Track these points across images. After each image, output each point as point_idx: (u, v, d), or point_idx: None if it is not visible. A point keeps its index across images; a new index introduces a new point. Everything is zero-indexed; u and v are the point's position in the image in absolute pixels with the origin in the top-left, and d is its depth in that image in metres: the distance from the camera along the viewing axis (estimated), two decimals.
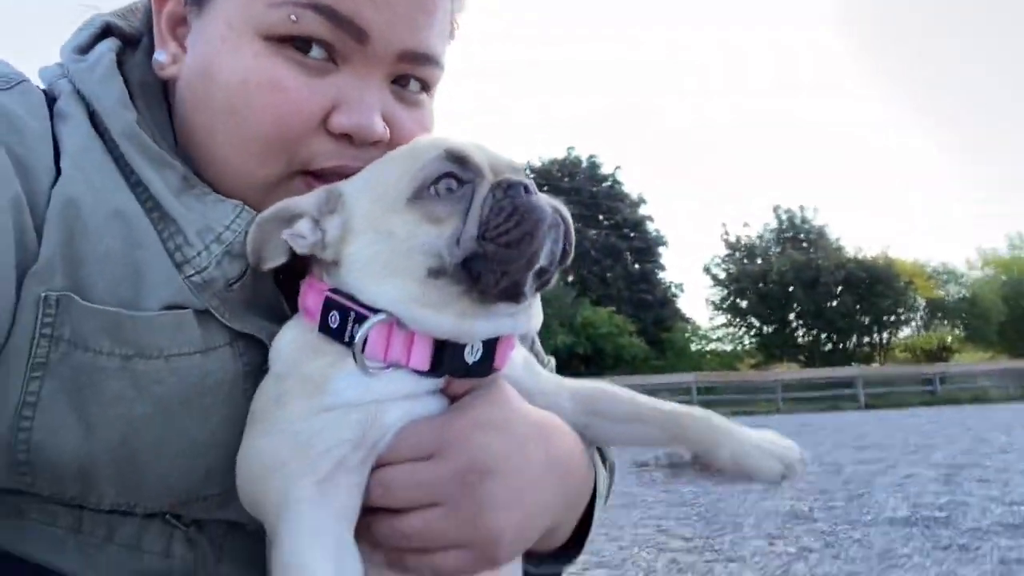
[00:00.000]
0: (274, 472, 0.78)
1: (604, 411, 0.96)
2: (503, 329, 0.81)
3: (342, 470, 0.78)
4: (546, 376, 0.98)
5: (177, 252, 0.87)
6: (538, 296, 0.86)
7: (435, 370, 0.80)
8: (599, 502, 1.03)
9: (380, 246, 0.80)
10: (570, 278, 37.39)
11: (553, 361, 1.22)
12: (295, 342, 0.84)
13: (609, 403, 0.96)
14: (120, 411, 0.82)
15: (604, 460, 1.11)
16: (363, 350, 0.79)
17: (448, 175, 0.79)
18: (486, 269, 0.75)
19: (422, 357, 0.80)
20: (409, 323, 0.79)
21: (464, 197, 0.79)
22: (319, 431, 0.78)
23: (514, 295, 0.78)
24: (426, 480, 0.79)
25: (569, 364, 29.58)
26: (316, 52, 0.85)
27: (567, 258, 0.81)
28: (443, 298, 0.78)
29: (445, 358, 0.80)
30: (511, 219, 0.75)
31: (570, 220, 0.81)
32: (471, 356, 0.81)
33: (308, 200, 0.85)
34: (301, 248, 0.84)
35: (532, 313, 0.86)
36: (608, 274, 40.07)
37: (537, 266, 0.77)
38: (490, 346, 0.82)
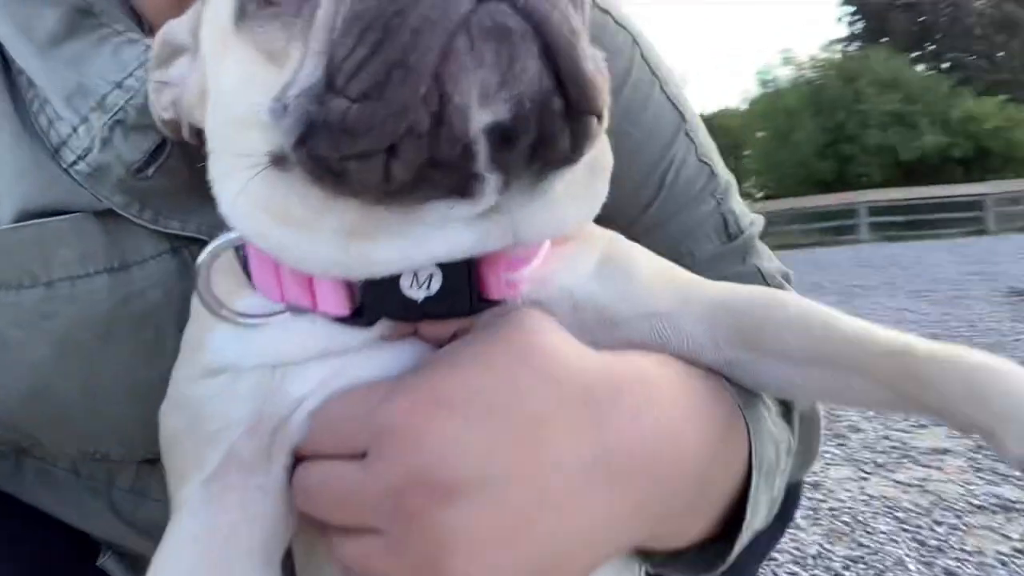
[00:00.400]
0: (170, 450, 0.58)
1: (766, 341, 0.60)
2: (454, 249, 0.49)
3: (234, 465, 0.53)
4: (647, 283, 0.61)
5: (52, 131, 0.67)
6: (550, 176, 0.49)
7: (361, 314, 0.53)
8: (760, 478, 0.66)
9: (216, 112, 0.55)
10: (944, 64, 33.16)
11: (759, 222, 0.99)
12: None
13: (776, 328, 0.60)
14: (14, 357, 0.68)
15: (790, 410, 0.74)
16: (209, 287, 0.57)
17: None
18: (331, 147, 0.44)
19: (334, 296, 0.53)
20: (265, 251, 0.53)
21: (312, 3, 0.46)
22: (205, 401, 0.55)
23: (446, 186, 0.46)
24: (352, 494, 0.51)
25: (942, 170, 27.07)
26: None
27: (574, 95, 0.45)
28: (304, 205, 0.49)
29: (369, 298, 0.52)
30: (370, 35, 0.42)
31: (568, 25, 0.44)
32: (417, 289, 0.51)
33: (183, 23, 0.60)
34: (160, 113, 0.62)
35: (530, 210, 0.51)
36: (999, 54, 34.35)
37: (466, 130, 0.43)
38: (460, 269, 0.51)
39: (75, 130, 0.67)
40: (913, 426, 3.87)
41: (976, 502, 2.89)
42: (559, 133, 0.46)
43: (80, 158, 0.67)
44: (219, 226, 0.57)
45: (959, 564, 2.44)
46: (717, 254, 1.04)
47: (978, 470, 3.21)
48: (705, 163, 1.08)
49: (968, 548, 2.55)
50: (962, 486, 3.06)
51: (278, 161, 0.48)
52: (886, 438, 3.75)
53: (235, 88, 0.52)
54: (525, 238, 0.52)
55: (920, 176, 28.47)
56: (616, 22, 1.06)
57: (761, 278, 1.04)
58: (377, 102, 0.42)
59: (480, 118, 0.43)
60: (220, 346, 0.56)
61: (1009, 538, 2.59)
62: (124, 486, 0.85)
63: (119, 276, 0.70)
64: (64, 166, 0.67)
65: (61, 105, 0.67)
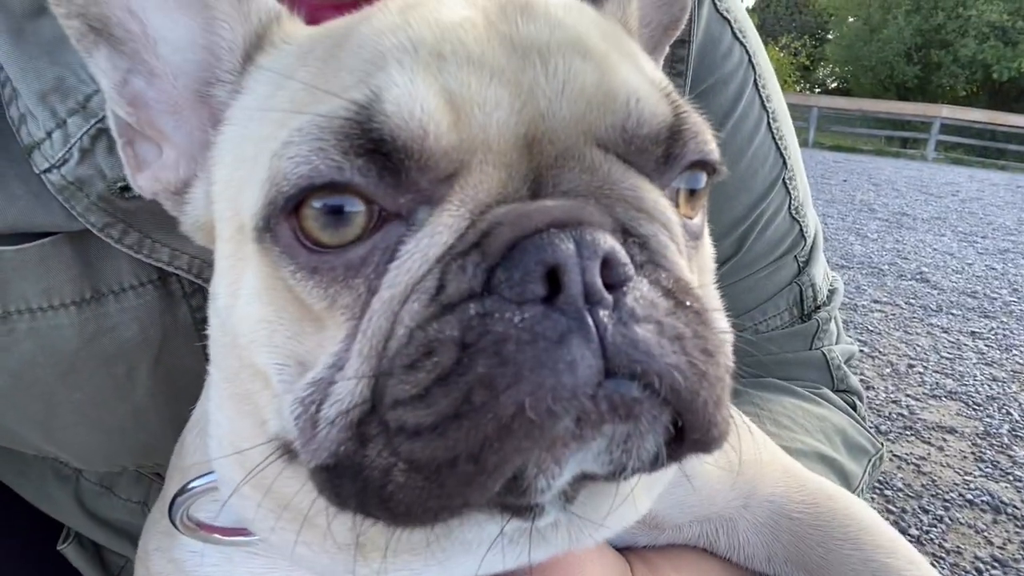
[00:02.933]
0: None
1: (824, 570, 0.59)
2: (493, 567, 0.45)
3: None
4: (709, 488, 0.57)
5: (23, 128, 0.57)
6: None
7: None
8: None
9: (225, 328, 0.48)
10: None
11: (838, 294, 0.96)
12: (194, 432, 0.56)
13: (840, 561, 0.56)
14: None
15: None
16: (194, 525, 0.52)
17: (334, 187, 0.40)
18: (360, 491, 0.38)
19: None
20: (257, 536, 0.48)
21: (379, 249, 0.40)
22: None
23: (498, 507, 0.40)
24: None
25: None
26: None
27: (692, 440, 0.39)
28: (312, 502, 0.41)
29: None
30: (442, 364, 0.35)
31: (701, 380, 0.38)
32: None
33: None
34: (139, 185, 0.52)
35: (596, 509, 0.46)
36: None
37: (547, 492, 0.37)
38: None
39: (49, 135, 0.57)
40: (926, 395, 3.84)
41: (968, 496, 2.90)
42: (659, 467, 0.40)
43: (54, 167, 0.57)
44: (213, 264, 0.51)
45: (934, 562, 2.48)
46: (785, 334, 0.96)
47: (979, 460, 3.20)
48: (796, 220, 0.96)
49: (947, 546, 2.58)
50: (959, 474, 3.07)
51: (290, 453, 0.43)
52: (895, 403, 3.73)
53: (253, 323, 0.45)
54: (584, 543, 0.48)
55: (1007, 101, 26.79)
56: (734, 34, 0.91)
57: (827, 370, 0.95)
58: (435, 449, 0.35)
59: (567, 478, 0.38)
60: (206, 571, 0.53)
61: (991, 543, 2.62)
62: (93, 479, 0.82)
63: (89, 308, 0.63)
64: (36, 171, 0.58)
65: (34, 101, 0.56)
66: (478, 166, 0.40)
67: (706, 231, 0.52)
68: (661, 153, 0.44)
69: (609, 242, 0.37)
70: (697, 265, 0.48)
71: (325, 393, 0.40)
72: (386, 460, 0.36)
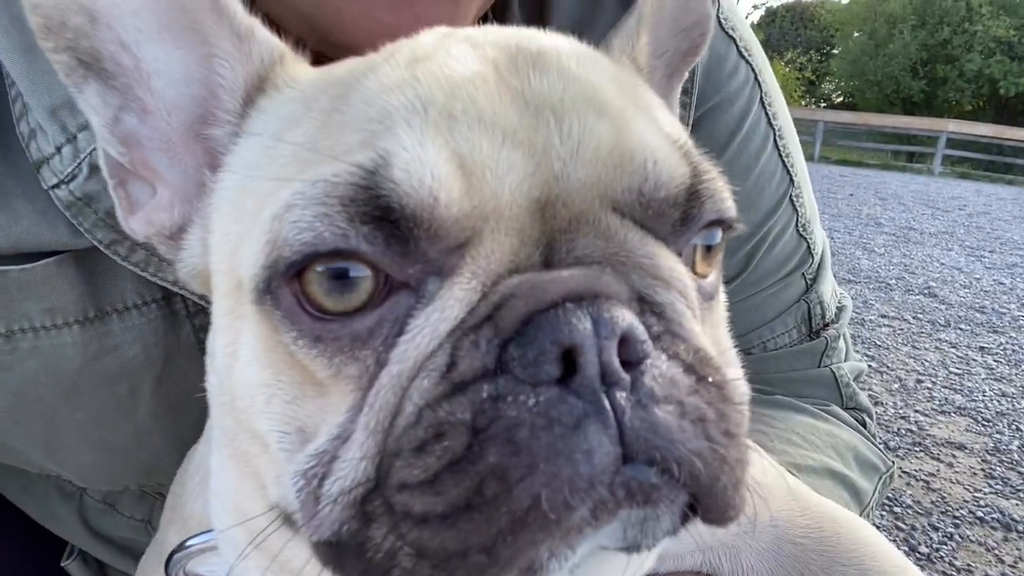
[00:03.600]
0: None
1: None
2: None
3: None
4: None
5: (33, 144, 0.56)
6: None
7: None
8: None
9: (223, 386, 0.47)
10: None
11: (846, 311, 0.96)
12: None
13: (829, 566, 0.56)
14: None
15: None
16: None
17: (339, 254, 0.39)
18: (378, 547, 0.36)
19: None
20: None
21: (388, 320, 0.39)
22: None
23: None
24: None
25: None
26: None
27: (708, 517, 0.39)
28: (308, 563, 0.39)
29: None
30: (452, 449, 0.34)
31: (720, 462, 0.36)
32: None
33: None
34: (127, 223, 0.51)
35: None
36: None
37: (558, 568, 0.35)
38: None
39: (59, 150, 0.56)
40: (934, 410, 3.81)
41: (979, 513, 2.87)
42: (671, 535, 0.39)
43: (63, 182, 0.56)
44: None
45: None
46: (793, 352, 0.95)
47: (989, 476, 3.17)
48: (804, 237, 0.95)
49: (957, 563, 2.55)
50: (969, 491, 3.04)
51: (292, 522, 0.42)
52: (904, 418, 3.70)
53: (252, 386, 0.43)
54: None
55: (1014, 115, 26.76)
56: (740, 52, 0.91)
57: (836, 387, 0.94)
58: (445, 539, 0.34)
59: (579, 558, 0.36)
60: None
61: (1002, 561, 2.59)
62: (96, 496, 0.82)
63: (93, 327, 0.62)
64: (44, 187, 0.57)
65: (44, 116, 0.55)
66: (490, 234, 0.38)
67: (720, 288, 0.50)
68: (679, 216, 0.42)
69: (628, 319, 0.35)
70: (711, 325, 0.46)
71: (328, 468, 0.38)
72: (391, 543, 0.35)
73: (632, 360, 0.35)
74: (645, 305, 0.38)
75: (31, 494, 0.84)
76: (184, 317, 0.65)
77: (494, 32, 0.46)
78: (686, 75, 0.64)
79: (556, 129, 0.40)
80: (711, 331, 0.45)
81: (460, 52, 0.43)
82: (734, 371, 0.43)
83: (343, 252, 0.38)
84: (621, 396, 0.34)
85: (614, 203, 0.40)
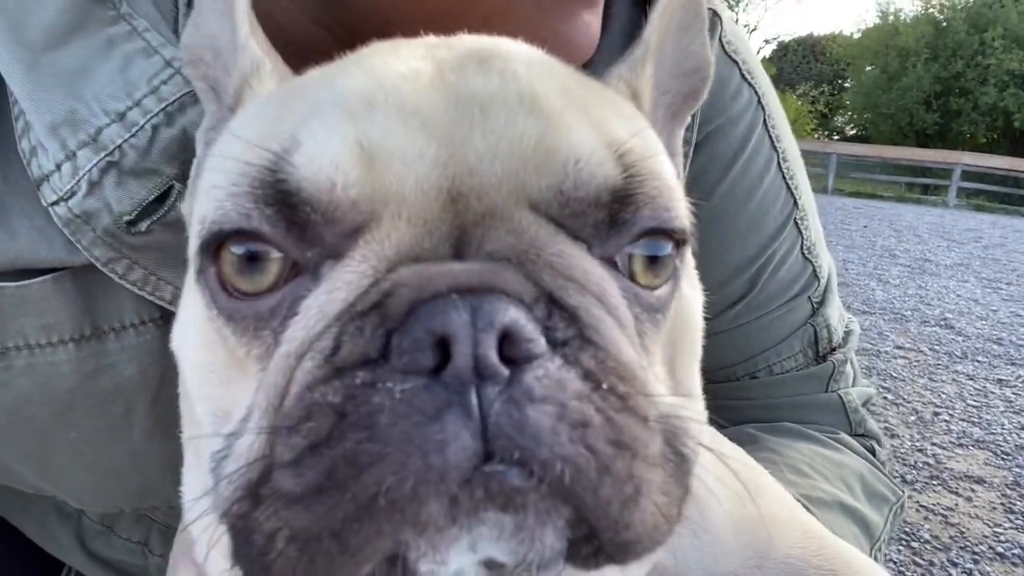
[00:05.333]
0: None
1: None
2: None
3: None
4: (721, 544, 0.54)
5: (34, 161, 0.56)
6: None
7: None
8: None
9: (182, 367, 0.48)
10: None
11: (854, 336, 0.95)
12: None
13: None
14: None
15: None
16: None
17: (245, 234, 0.40)
18: (260, 529, 0.35)
19: None
20: None
21: (287, 301, 0.40)
22: None
23: None
24: None
25: None
26: None
27: (612, 544, 0.35)
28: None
29: None
30: (320, 430, 0.34)
31: (612, 474, 0.34)
32: None
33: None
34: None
35: None
36: None
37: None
38: None
39: (58, 167, 0.56)
40: (952, 443, 3.75)
41: (999, 548, 2.81)
42: (586, 566, 0.36)
43: (62, 199, 0.56)
44: None
45: None
46: (799, 376, 0.93)
47: (1009, 511, 3.10)
48: (809, 260, 0.94)
49: None
50: (988, 525, 2.97)
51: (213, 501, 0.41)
52: (921, 451, 3.64)
53: (192, 367, 0.46)
54: None
55: None
56: (742, 75, 0.91)
57: (843, 413, 0.93)
58: (304, 520, 0.33)
59: (463, 565, 0.34)
60: None
61: None
62: (94, 517, 0.82)
63: (89, 346, 0.61)
64: (44, 204, 0.57)
65: (44, 133, 0.55)
66: (390, 220, 0.38)
67: (691, 304, 0.48)
68: (603, 218, 0.40)
69: (511, 314, 0.34)
70: (652, 340, 0.43)
71: (231, 449, 0.39)
72: (272, 524, 0.34)
73: (516, 358, 0.34)
74: (555, 307, 0.37)
75: (29, 514, 0.84)
76: None
77: (463, 38, 0.47)
78: (688, 119, 0.63)
79: (480, 123, 0.40)
80: (651, 346, 0.43)
81: (408, 52, 0.44)
82: (664, 390, 0.40)
83: (246, 232, 0.39)
84: (492, 391, 0.33)
85: (531, 201, 0.39)
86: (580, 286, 0.38)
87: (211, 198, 0.41)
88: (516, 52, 0.46)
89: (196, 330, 0.44)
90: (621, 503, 0.34)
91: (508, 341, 0.34)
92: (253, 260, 0.39)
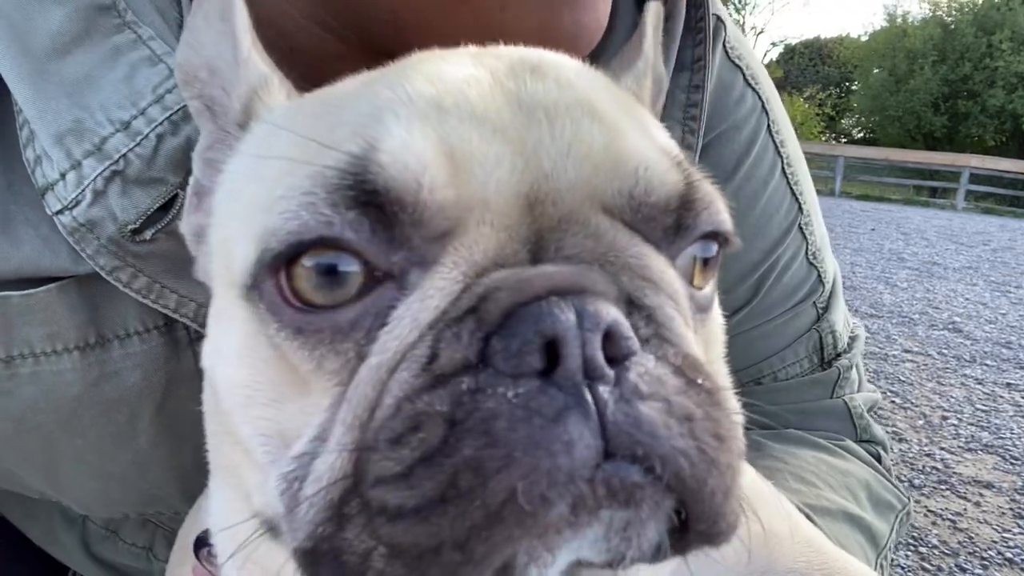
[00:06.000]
0: None
1: None
2: None
3: None
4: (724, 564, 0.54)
5: (38, 170, 0.56)
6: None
7: None
8: None
9: (215, 390, 0.46)
10: None
11: (859, 341, 0.95)
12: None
13: None
14: None
15: None
16: None
17: (326, 243, 0.38)
18: (352, 550, 0.34)
19: None
20: None
21: (371, 313, 0.38)
22: None
23: None
24: None
25: None
26: None
27: (699, 530, 0.36)
28: None
29: None
30: (428, 443, 0.33)
31: (709, 465, 0.35)
32: None
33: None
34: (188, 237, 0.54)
35: None
36: None
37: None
38: None
39: (63, 176, 0.56)
40: (961, 448, 3.72)
41: (1008, 554, 2.79)
42: (661, 558, 0.37)
43: (67, 208, 0.56)
44: None
45: None
46: (805, 382, 0.93)
47: (1019, 516, 3.08)
48: (814, 265, 0.94)
49: None
50: (997, 531, 2.95)
51: (274, 530, 0.41)
52: (929, 456, 3.62)
53: (232, 386, 0.43)
54: None
55: None
56: (746, 80, 0.91)
57: (849, 419, 0.92)
58: (418, 535, 0.32)
59: (561, 566, 0.35)
60: None
61: None
62: (99, 522, 0.82)
63: (93, 354, 0.61)
64: (49, 213, 0.57)
65: (50, 142, 0.55)
66: (475, 226, 0.38)
67: (715, 302, 0.49)
68: (671, 223, 0.42)
69: (612, 313, 0.35)
70: (704, 338, 0.45)
71: (308, 469, 0.37)
72: (366, 544, 0.33)
73: (617, 356, 0.34)
74: (633, 307, 0.37)
75: (35, 518, 0.84)
76: (186, 344, 0.65)
77: (497, 48, 0.47)
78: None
79: (548, 129, 0.40)
80: (703, 343, 0.45)
81: (456, 59, 0.44)
82: (727, 387, 0.41)
83: (328, 241, 0.37)
84: (604, 390, 0.33)
85: (604, 205, 0.40)
86: (655, 286, 0.39)
87: (275, 210, 0.39)
88: (562, 61, 0.46)
89: (239, 347, 0.42)
90: (723, 493, 0.35)
91: (609, 340, 0.34)
92: (331, 272, 0.38)
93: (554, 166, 0.39)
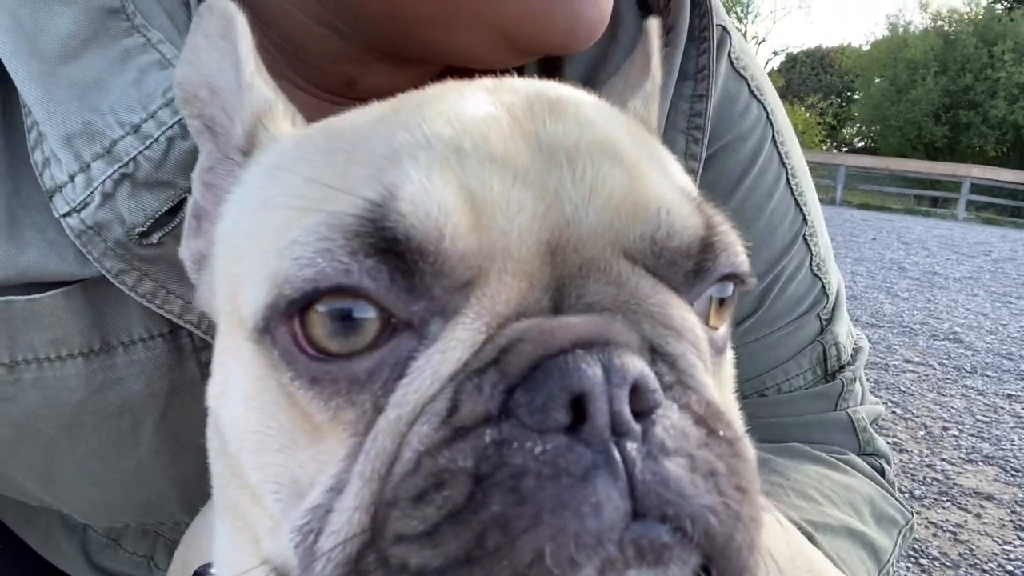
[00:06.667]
0: None
1: None
2: None
3: None
4: None
5: (47, 172, 0.56)
6: None
7: None
8: None
9: (221, 432, 0.45)
10: None
11: (863, 352, 0.95)
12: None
13: None
14: None
15: None
16: None
17: (342, 291, 0.37)
18: None
19: None
20: None
21: (388, 363, 0.38)
22: None
23: None
24: None
25: None
26: None
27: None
28: None
29: None
30: (453, 500, 0.32)
31: (735, 522, 0.35)
32: None
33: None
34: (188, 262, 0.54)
35: None
36: None
37: None
38: None
39: (72, 179, 0.55)
40: (961, 459, 3.72)
41: (1008, 566, 2.78)
42: None
43: (75, 210, 0.55)
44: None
45: None
46: (808, 394, 0.93)
47: (1019, 528, 3.08)
48: (818, 277, 0.94)
49: None
50: (998, 543, 2.94)
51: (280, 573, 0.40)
52: (930, 467, 3.61)
53: (241, 430, 0.42)
54: None
55: None
56: (751, 91, 0.91)
57: (852, 432, 0.92)
58: None
59: None
60: None
61: None
62: (100, 530, 0.81)
63: (98, 360, 0.61)
64: (56, 215, 0.57)
65: (59, 145, 0.55)
66: (497, 274, 0.37)
67: (729, 344, 0.48)
68: (692, 267, 0.41)
69: (638, 367, 0.34)
70: (719, 379, 0.45)
71: (323, 522, 0.36)
72: (398, 552, 0.32)
73: (643, 410, 0.34)
74: (656, 355, 0.37)
75: (35, 526, 0.84)
76: (190, 352, 0.64)
77: (511, 82, 0.46)
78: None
79: (569, 172, 0.39)
80: (719, 386, 0.44)
81: (473, 96, 0.43)
82: (743, 431, 0.40)
83: (345, 289, 0.36)
84: (632, 447, 0.33)
85: (626, 250, 0.39)
86: (678, 333, 0.38)
87: (289, 255, 0.37)
88: (580, 98, 0.45)
89: (248, 390, 0.41)
90: (748, 547, 0.35)
91: (635, 394, 0.34)
92: (346, 319, 0.37)
93: (575, 211, 0.38)
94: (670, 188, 0.42)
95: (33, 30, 0.56)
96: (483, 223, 0.37)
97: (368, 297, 0.36)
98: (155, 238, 0.57)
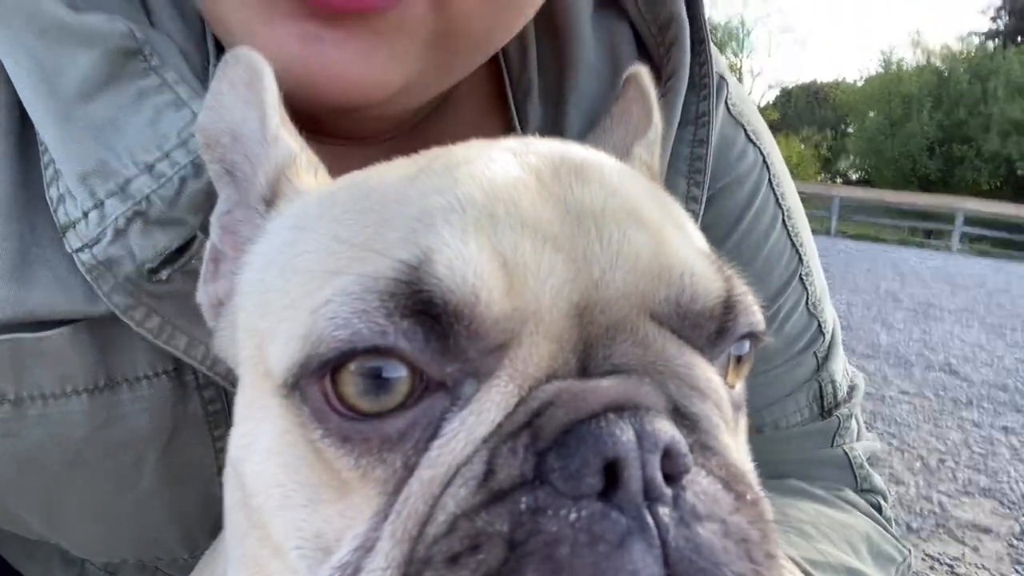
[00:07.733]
0: None
1: None
2: None
3: None
4: None
5: (61, 208, 0.58)
6: None
7: None
8: None
9: (242, 485, 0.46)
10: None
11: (858, 389, 0.95)
12: None
13: None
14: None
15: None
16: None
17: (377, 352, 0.38)
18: None
19: None
20: None
21: (421, 424, 0.38)
22: None
23: None
24: None
25: None
26: None
27: None
28: None
29: None
30: (518, 558, 0.33)
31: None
32: None
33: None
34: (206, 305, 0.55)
35: None
36: None
37: None
38: None
39: (86, 215, 0.57)
40: (959, 491, 3.72)
41: None
42: None
43: (87, 246, 0.57)
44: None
45: None
46: (805, 431, 0.94)
47: (1017, 562, 3.08)
48: (814, 315, 0.96)
49: None
50: None
51: None
52: (927, 499, 3.62)
53: (266, 484, 0.42)
54: None
55: None
56: (748, 136, 0.95)
57: (849, 469, 0.94)
58: None
59: None
60: None
61: None
62: (98, 564, 0.81)
63: (102, 397, 0.62)
64: (69, 250, 0.58)
65: (74, 182, 0.56)
66: (529, 337, 0.38)
67: (744, 400, 0.49)
68: (714, 328, 0.42)
69: (670, 432, 0.34)
70: (737, 436, 0.46)
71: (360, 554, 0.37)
72: None
73: (673, 474, 0.34)
74: (679, 415, 0.38)
75: (34, 559, 0.85)
76: (193, 389, 0.66)
77: (536, 144, 0.47)
78: None
79: (597, 237, 0.40)
80: (737, 443, 0.45)
81: (502, 159, 0.44)
82: (762, 491, 0.41)
83: (381, 349, 0.37)
84: (664, 512, 0.33)
85: (652, 313, 0.40)
86: (702, 394, 0.39)
87: (323, 314, 0.38)
88: (603, 161, 0.47)
89: (274, 445, 0.42)
90: None
91: (667, 458, 0.34)
92: (378, 377, 0.37)
93: (603, 274, 0.39)
94: (692, 251, 0.43)
95: (53, 71, 0.58)
96: (516, 287, 0.38)
97: (403, 358, 0.37)
98: (164, 274, 0.58)
